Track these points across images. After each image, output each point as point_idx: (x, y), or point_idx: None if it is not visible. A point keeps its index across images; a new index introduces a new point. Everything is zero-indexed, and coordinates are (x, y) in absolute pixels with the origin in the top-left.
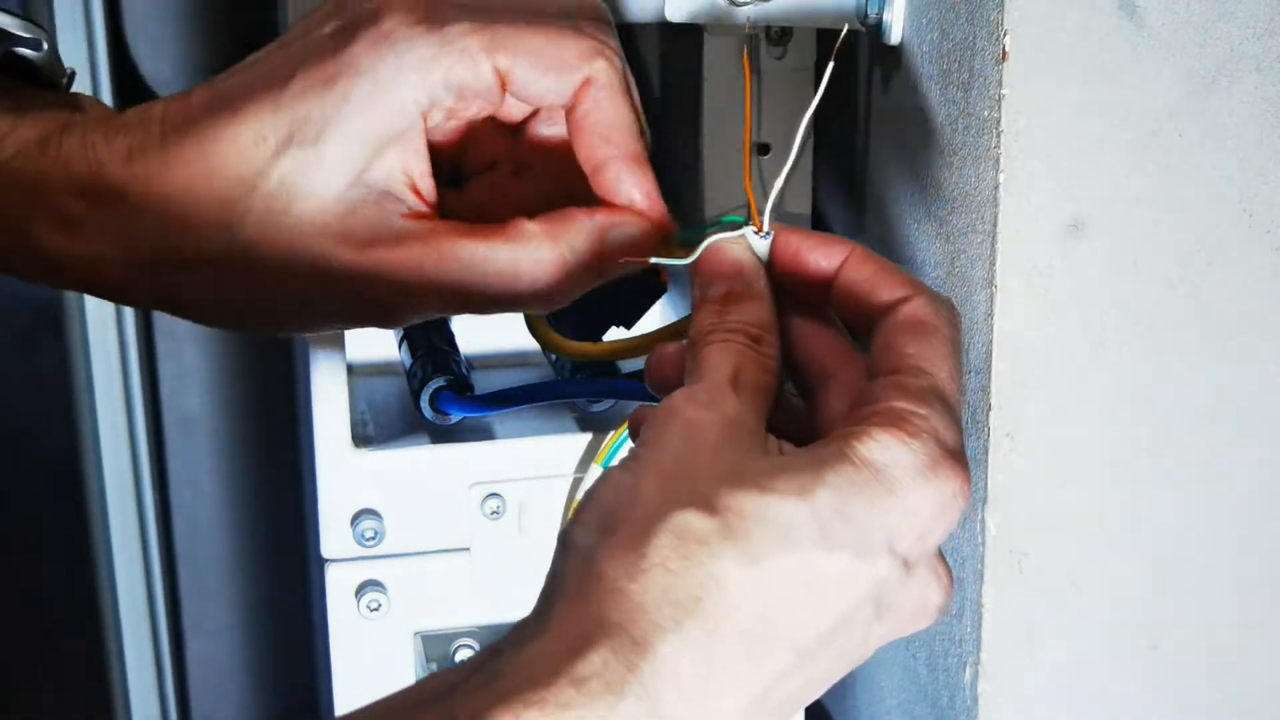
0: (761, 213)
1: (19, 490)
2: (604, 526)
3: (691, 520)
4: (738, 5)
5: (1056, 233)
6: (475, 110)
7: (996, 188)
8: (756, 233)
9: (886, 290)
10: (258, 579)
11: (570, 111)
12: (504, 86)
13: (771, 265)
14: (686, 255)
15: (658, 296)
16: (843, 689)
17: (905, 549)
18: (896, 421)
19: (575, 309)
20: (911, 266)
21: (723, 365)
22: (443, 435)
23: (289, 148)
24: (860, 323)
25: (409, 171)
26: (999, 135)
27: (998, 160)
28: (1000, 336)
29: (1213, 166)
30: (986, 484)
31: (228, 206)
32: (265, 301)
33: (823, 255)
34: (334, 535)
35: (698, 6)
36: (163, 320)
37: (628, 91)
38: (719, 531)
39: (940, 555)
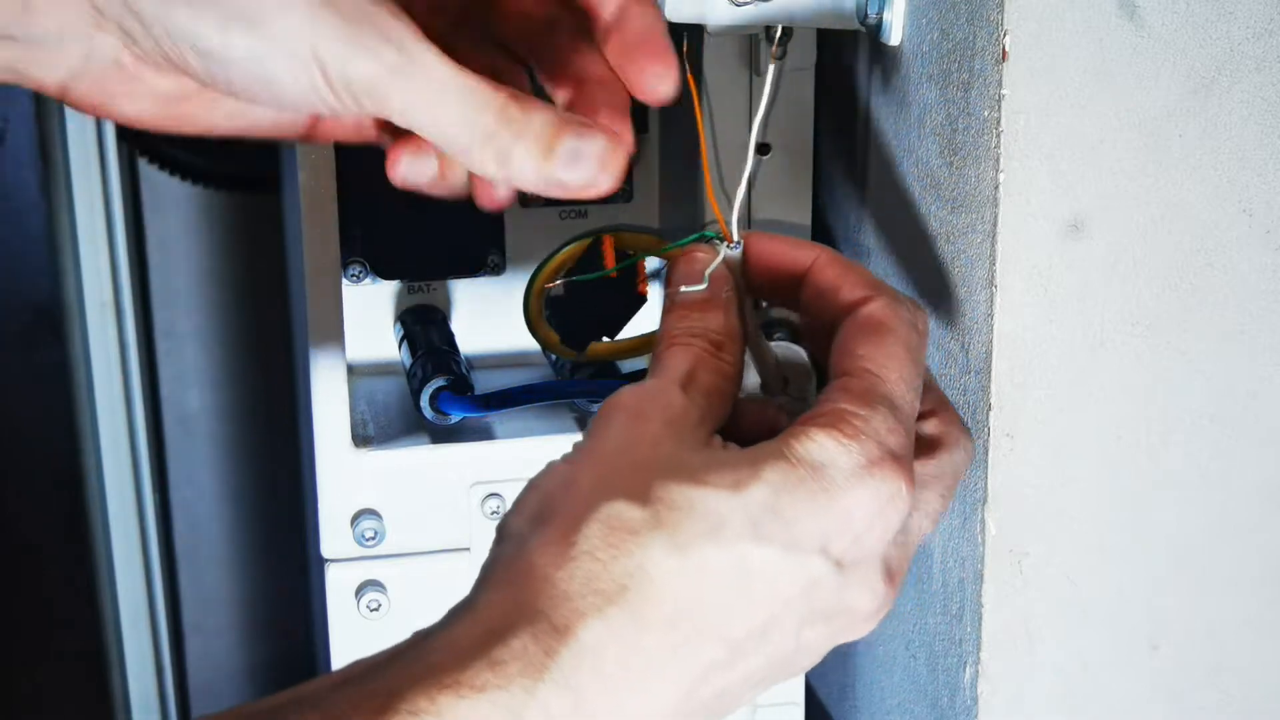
0: (729, 223)
1: (19, 490)
2: (538, 516)
3: (622, 510)
4: (738, 5)
5: (1056, 233)
6: None
7: (997, 188)
8: (725, 243)
9: (849, 292)
10: (258, 579)
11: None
12: None
13: (745, 273)
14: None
15: (639, 307)
16: (843, 689)
17: (840, 550)
18: (836, 422)
19: (560, 321)
20: (911, 267)
21: (676, 365)
22: (443, 435)
23: None
24: (828, 326)
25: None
26: (999, 135)
27: (998, 160)
28: (1000, 336)
29: (1213, 166)
30: (986, 484)
31: None
32: (245, 19)
33: (791, 260)
34: (334, 535)
35: (698, 6)
36: (163, 320)
37: None
38: (649, 521)
39: (887, 563)
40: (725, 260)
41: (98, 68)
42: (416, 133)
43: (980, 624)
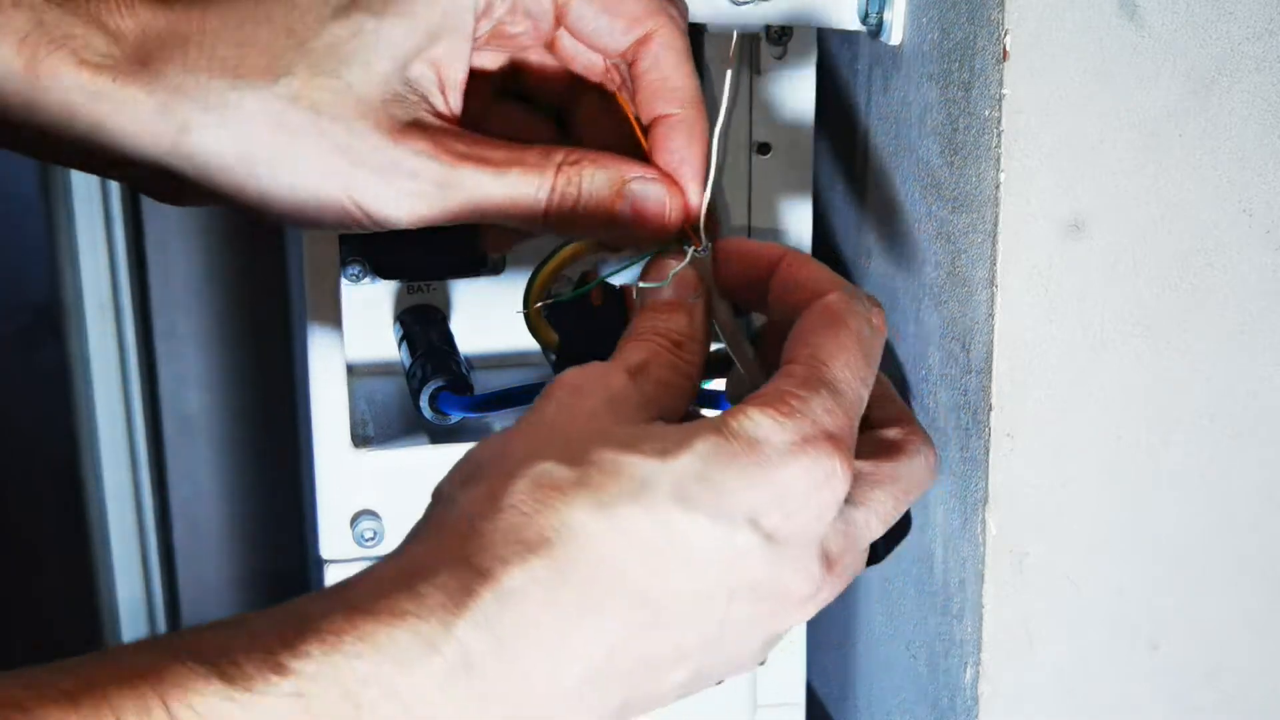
0: (697, 230)
1: (19, 490)
2: (470, 478)
3: (550, 469)
4: (738, 5)
5: (1057, 232)
6: (523, 31)
7: (997, 187)
8: (694, 249)
9: (811, 289)
10: (258, 579)
11: (632, 67)
12: (559, 17)
13: (718, 275)
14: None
15: (627, 322)
16: (843, 689)
17: (771, 525)
18: (774, 401)
19: (559, 339)
20: (912, 266)
21: (629, 355)
22: (442, 435)
23: (352, 11)
24: (791, 321)
25: (447, 76)
26: (999, 135)
27: (998, 160)
28: (1000, 336)
29: (1213, 166)
30: (986, 484)
31: (274, 58)
32: (286, 167)
33: (760, 260)
34: (333, 536)
35: (698, 6)
36: (163, 320)
37: (688, 55)
38: (575, 481)
39: (825, 548)
40: (694, 263)
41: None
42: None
43: (981, 624)
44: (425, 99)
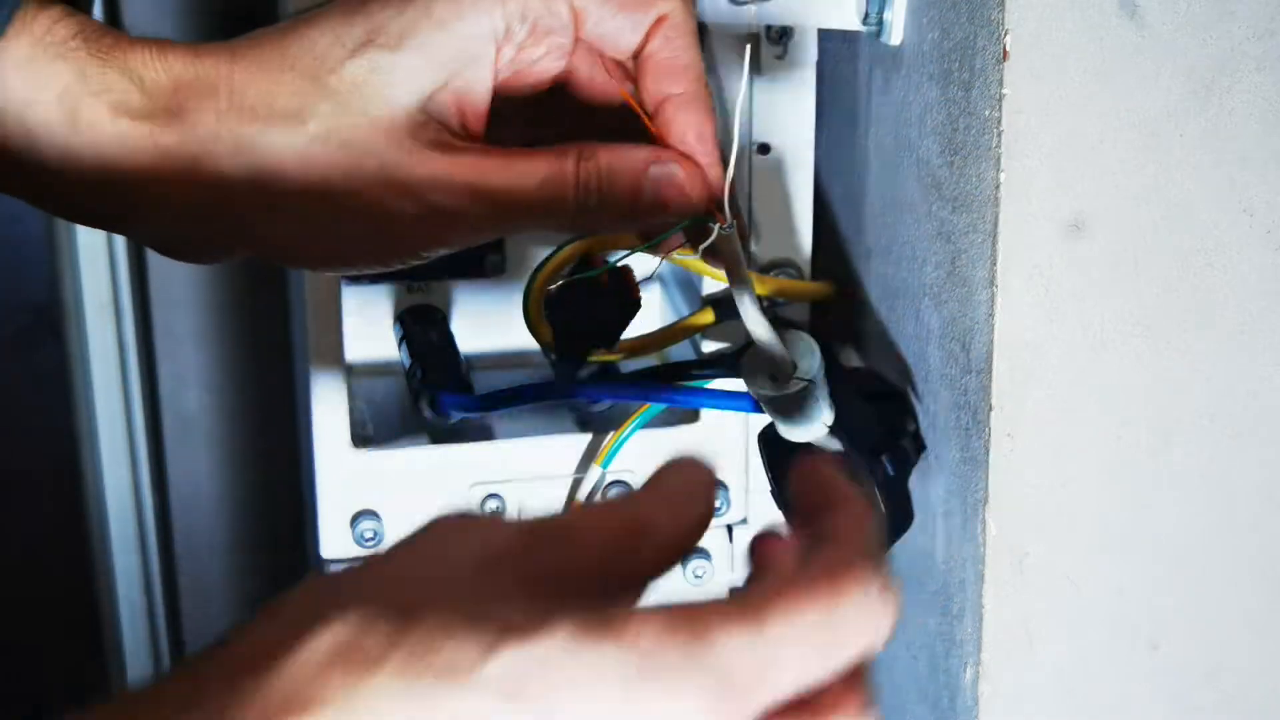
0: (721, 207)
1: (19, 490)
2: (299, 598)
3: (365, 622)
4: (738, 5)
5: (1057, 232)
6: (545, 52)
7: (997, 187)
8: (718, 225)
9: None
10: (258, 579)
11: (638, 53)
12: (579, 26)
13: (747, 254)
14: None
15: (635, 312)
16: None
17: None
18: (680, 616)
19: (556, 329)
20: (912, 266)
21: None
22: (443, 435)
23: (367, 49)
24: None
25: (469, 103)
26: (1000, 135)
27: (998, 160)
28: (1000, 336)
29: (1213, 166)
30: (986, 484)
31: (298, 98)
32: (317, 206)
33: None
34: (334, 535)
35: (698, 6)
36: (162, 320)
37: (696, 34)
38: (388, 644)
39: None
40: (719, 239)
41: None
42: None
43: (981, 624)
44: (448, 125)
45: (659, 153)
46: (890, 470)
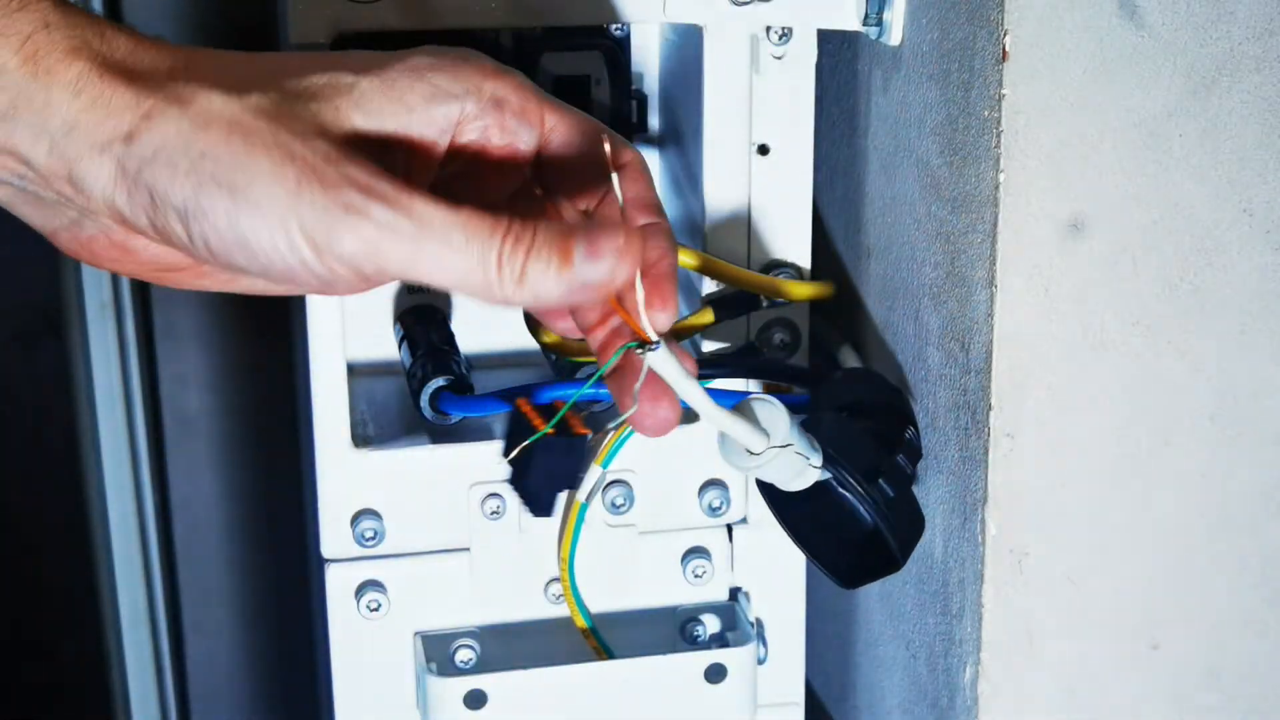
0: (642, 325)
1: (19, 490)
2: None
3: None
4: (738, 5)
5: (1056, 232)
6: (500, 145)
7: (997, 188)
8: (646, 347)
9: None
10: (258, 579)
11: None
12: (541, 149)
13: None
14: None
15: (583, 450)
16: (843, 689)
17: None
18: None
19: (527, 498)
20: (912, 266)
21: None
22: (443, 435)
23: (336, 68)
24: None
25: (413, 165)
26: (999, 135)
27: (998, 160)
28: (1000, 336)
29: (1213, 166)
30: (986, 484)
31: (250, 82)
32: (238, 177)
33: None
34: (334, 535)
35: (698, 6)
36: (163, 320)
37: (651, 176)
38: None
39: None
40: (653, 360)
41: (85, 235)
42: (427, 285)
43: (980, 624)
44: (388, 166)
45: (588, 223)
46: (890, 492)
